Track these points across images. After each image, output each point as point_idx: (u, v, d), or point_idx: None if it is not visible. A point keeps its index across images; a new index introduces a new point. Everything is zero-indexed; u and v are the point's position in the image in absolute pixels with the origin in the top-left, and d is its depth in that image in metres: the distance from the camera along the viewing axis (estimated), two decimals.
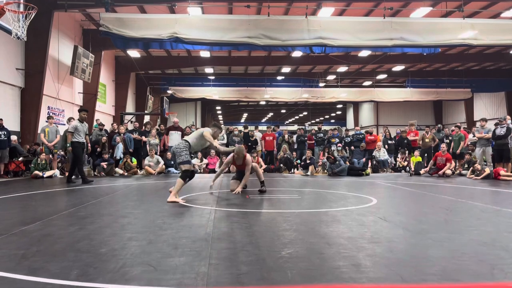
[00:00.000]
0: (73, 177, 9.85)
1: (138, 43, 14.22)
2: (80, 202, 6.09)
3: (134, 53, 20.38)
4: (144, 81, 24.32)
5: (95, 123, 15.90)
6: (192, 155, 14.36)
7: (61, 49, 15.06)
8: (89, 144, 11.48)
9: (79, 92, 17.09)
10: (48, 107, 14.42)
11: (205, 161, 14.28)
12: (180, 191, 6.27)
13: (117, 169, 12.59)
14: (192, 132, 15.07)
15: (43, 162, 11.45)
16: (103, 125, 13.96)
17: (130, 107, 23.66)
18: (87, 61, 15.83)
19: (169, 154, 13.24)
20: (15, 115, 12.97)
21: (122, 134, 13.40)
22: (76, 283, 2.42)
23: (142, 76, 23.79)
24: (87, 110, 10.10)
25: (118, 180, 10.59)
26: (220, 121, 52.15)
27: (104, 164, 12.38)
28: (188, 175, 6.25)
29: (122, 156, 12.94)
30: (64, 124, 14.87)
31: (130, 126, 16.13)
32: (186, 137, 6.62)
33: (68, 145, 9.27)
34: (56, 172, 11.88)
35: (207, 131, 6.40)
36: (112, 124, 15.67)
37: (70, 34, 16.03)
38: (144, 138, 13.95)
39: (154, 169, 12.74)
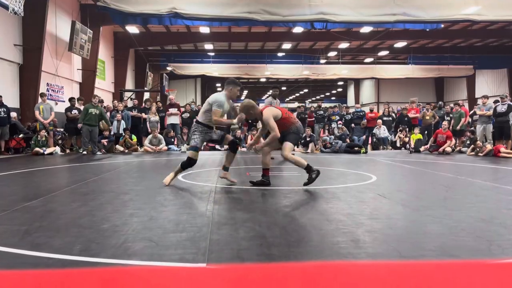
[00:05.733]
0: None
1: (137, 19, 13.99)
2: (81, 179, 6.12)
3: (132, 29, 20.06)
4: (143, 58, 24.05)
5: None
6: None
7: (58, 25, 14.83)
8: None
9: (78, 69, 16.93)
10: (47, 83, 14.31)
11: None
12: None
13: (117, 146, 12.61)
14: (193, 109, 15.09)
15: (44, 139, 11.46)
16: (103, 101, 13.90)
17: (129, 84, 23.48)
18: (85, 37, 15.62)
19: (171, 133, 13.26)
20: (14, 92, 12.89)
21: (120, 111, 13.36)
22: (79, 258, 2.45)
23: (141, 53, 23.51)
24: (278, 87, 10.37)
25: (118, 157, 10.63)
26: None
27: (104, 141, 12.40)
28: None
29: (123, 132, 12.94)
30: (64, 101, 14.81)
31: (130, 103, 16.06)
32: None
33: None
34: (57, 149, 11.91)
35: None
36: (112, 102, 15.63)
37: (68, 9, 15.75)
38: (143, 115, 13.91)
39: (154, 149, 12.65)
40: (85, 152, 11.64)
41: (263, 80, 33.20)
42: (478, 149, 11.07)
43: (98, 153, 11.69)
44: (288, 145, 5.28)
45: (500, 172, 7.52)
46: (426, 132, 13.75)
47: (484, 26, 21.25)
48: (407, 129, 14.41)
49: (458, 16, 13.79)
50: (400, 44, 24.75)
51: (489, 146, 10.97)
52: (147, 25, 18.05)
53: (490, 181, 6.10)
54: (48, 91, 14.27)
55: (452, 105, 14.86)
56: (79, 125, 11.65)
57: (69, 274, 2.26)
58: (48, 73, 14.24)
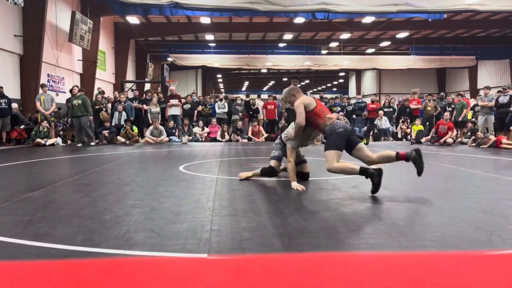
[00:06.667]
0: None
1: (137, 9, 13.92)
2: (83, 170, 6.13)
3: (133, 19, 19.97)
4: (144, 49, 23.97)
5: (96, 91, 15.83)
6: (194, 123, 14.38)
7: (58, 15, 14.76)
8: None
9: (78, 60, 16.90)
10: (48, 74, 14.29)
11: (206, 129, 14.29)
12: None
13: (118, 137, 12.62)
14: (194, 100, 15.08)
15: (45, 130, 11.47)
16: (103, 92, 13.88)
17: (130, 75, 23.44)
18: (85, 27, 15.56)
19: (171, 123, 13.24)
20: (15, 82, 12.88)
21: (122, 103, 13.35)
22: (81, 248, 2.47)
23: (142, 43, 23.42)
24: (297, 77, 9.98)
25: (119, 148, 10.64)
26: (221, 90, 51.61)
27: (105, 133, 12.40)
28: None
29: (124, 123, 12.94)
30: (65, 92, 14.80)
31: (131, 94, 16.04)
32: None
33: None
34: (59, 140, 11.93)
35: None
36: (113, 93, 15.61)
37: None
38: (145, 107, 13.90)
39: (155, 140, 12.68)
40: (80, 144, 11.53)
41: (264, 71, 33.03)
42: (479, 140, 11.05)
43: (92, 143, 11.55)
44: (328, 155, 4.35)
45: (501, 163, 7.52)
46: (427, 123, 13.72)
47: (487, 17, 21.11)
48: (409, 120, 14.38)
49: (461, 6, 13.71)
50: (402, 34, 24.61)
51: (492, 138, 10.94)
52: (147, 15, 18.01)
53: (491, 172, 6.10)
54: (49, 82, 14.26)
55: (454, 96, 14.81)
56: (69, 121, 11.70)
57: (71, 264, 2.27)
58: (48, 64, 14.22)
